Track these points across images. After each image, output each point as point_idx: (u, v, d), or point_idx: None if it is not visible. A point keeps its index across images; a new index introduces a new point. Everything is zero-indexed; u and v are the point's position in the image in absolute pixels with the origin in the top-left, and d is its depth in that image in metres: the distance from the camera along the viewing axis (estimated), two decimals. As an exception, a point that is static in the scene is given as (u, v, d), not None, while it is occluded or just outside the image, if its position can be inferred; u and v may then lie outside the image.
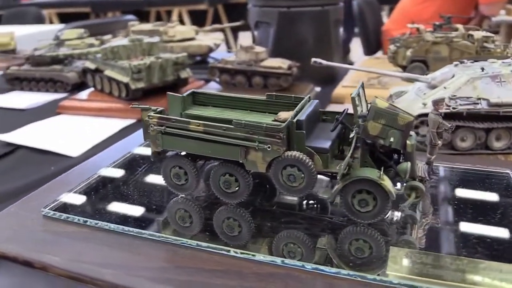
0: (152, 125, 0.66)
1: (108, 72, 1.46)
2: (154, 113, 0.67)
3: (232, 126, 0.61)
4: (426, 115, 0.90)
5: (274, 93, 0.70)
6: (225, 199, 0.66)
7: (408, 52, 1.44)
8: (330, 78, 1.65)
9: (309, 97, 0.67)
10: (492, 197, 0.68)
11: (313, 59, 1.02)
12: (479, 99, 0.91)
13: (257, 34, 1.68)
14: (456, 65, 1.00)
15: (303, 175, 0.59)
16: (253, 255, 0.56)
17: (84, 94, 1.58)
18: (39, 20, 3.65)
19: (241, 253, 0.57)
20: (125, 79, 1.39)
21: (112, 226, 0.64)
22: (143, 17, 6.22)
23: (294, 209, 0.68)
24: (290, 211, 0.68)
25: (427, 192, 0.70)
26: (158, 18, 6.19)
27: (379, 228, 0.62)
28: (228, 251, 0.57)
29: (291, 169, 0.59)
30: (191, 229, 0.65)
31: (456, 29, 1.50)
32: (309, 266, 0.54)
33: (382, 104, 0.59)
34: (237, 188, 0.64)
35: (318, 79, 1.61)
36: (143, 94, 1.42)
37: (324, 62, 1.00)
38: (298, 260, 0.55)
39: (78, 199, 0.72)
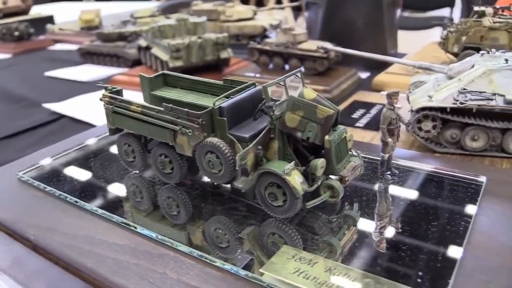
0: (105, 104, 0.68)
1: (154, 50, 1.52)
2: (108, 93, 0.69)
3: (163, 110, 0.61)
4: (429, 109, 0.82)
5: (229, 78, 0.68)
6: (163, 179, 0.67)
7: (463, 38, 1.29)
8: (383, 64, 1.55)
9: (254, 83, 0.64)
10: (445, 206, 0.59)
11: (319, 46, 0.96)
12: (494, 94, 0.80)
13: (308, 15, 1.63)
14: (482, 55, 0.88)
15: (221, 162, 0.57)
16: (154, 235, 0.57)
17: (136, 70, 1.66)
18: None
19: (141, 229, 0.58)
20: (165, 57, 1.44)
21: (63, 195, 0.68)
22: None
23: (243, 196, 0.66)
24: (237, 197, 0.67)
25: (386, 194, 0.64)
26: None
27: (309, 226, 0.58)
28: (135, 227, 0.58)
29: (210, 155, 0.58)
30: (142, 204, 0.67)
31: (529, 14, 1.32)
32: (195, 253, 0.53)
33: (308, 95, 0.54)
34: (171, 170, 0.65)
35: (367, 64, 1.52)
36: (182, 72, 1.45)
37: (332, 48, 0.94)
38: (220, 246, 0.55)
39: (54, 166, 0.78)
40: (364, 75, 1.50)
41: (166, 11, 2.27)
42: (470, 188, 0.62)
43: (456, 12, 4.17)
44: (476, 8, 1.36)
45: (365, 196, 0.64)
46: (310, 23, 1.62)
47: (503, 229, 0.53)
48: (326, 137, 0.52)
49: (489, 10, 1.30)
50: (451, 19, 3.44)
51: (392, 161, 0.67)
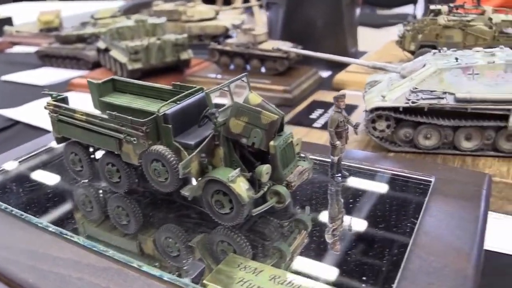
0: (49, 112, 0.66)
1: (113, 52, 1.49)
2: (53, 101, 0.67)
3: (107, 118, 0.59)
4: (383, 108, 0.83)
5: (178, 83, 0.67)
6: (112, 188, 0.65)
7: (420, 36, 1.31)
8: (343, 63, 1.56)
9: (202, 88, 0.63)
10: (394, 207, 0.60)
11: (273, 46, 0.96)
12: (445, 93, 0.81)
13: (268, 15, 1.62)
14: (434, 54, 0.89)
15: (167, 170, 0.56)
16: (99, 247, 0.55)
17: (96, 72, 1.63)
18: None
19: (84, 241, 0.56)
20: (124, 59, 1.41)
21: (9, 208, 0.65)
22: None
23: (195, 203, 0.65)
24: (189, 204, 0.65)
25: (337, 196, 0.64)
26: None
27: (260, 231, 0.58)
28: (79, 239, 0.57)
29: (156, 163, 0.56)
30: (92, 214, 0.65)
31: (483, 12, 1.34)
32: (137, 264, 0.51)
33: (254, 100, 0.54)
34: (119, 178, 0.63)
35: (328, 63, 1.53)
36: (142, 75, 1.43)
37: (285, 48, 0.94)
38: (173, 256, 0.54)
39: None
40: (325, 74, 1.51)
41: (128, 11, 2.23)
42: (419, 188, 0.62)
43: (419, 9, 4.25)
44: (432, 7, 1.39)
45: (317, 199, 0.63)
46: (271, 23, 1.61)
47: (449, 229, 0.54)
48: (271, 142, 0.52)
49: (444, 8, 1.32)
50: (414, 16, 3.50)
51: (343, 163, 0.67)
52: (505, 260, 0.66)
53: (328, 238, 0.57)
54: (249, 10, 3.23)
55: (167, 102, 0.58)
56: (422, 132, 0.84)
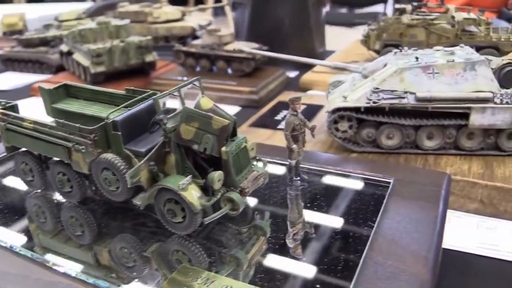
0: None
1: (76, 56, 1.45)
2: (0, 109, 0.64)
3: (55, 126, 0.57)
4: (344, 109, 0.82)
5: (132, 88, 0.65)
6: (64, 198, 0.63)
7: (384, 35, 1.32)
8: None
9: (154, 92, 0.61)
10: (352, 210, 0.59)
11: (236, 47, 0.94)
12: (406, 92, 0.81)
13: (234, 16, 1.61)
14: (395, 53, 0.89)
15: (118, 179, 0.54)
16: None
17: (59, 76, 1.59)
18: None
19: (32, 254, 0.54)
20: (86, 62, 1.38)
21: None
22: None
23: (151, 211, 0.63)
24: (146, 211, 0.63)
25: (297, 200, 0.63)
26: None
27: (217, 239, 0.56)
28: (27, 253, 0.54)
29: (106, 172, 0.54)
30: (46, 225, 0.63)
31: (446, 10, 1.36)
32: (72, 273, 0.50)
33: (205, 105, 0.52)
34: (71, 188, 0.61)
35: (296, 63, 1.52)
36: (106, 78, 1.40)
37: (247, 50, 0.93)
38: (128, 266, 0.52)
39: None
40: (292, 74, 1.51)
41: (94, 13, 2.18)
42: (378, 190, 0.62)
43: (389, 8, 4.31)
44: (397, 6, 1.40)
45: (277, 203, 0.62)
46: (238, 23, 1.60)
47: (407, 232, 0.53)
48: (223, 148, 0.50)
49: (408, 7, 1.33)
50: (384, 14, 3.54)
51: (303, 166, 0.66)
52: (466, 259, 0.66)
53: (289, 243, 0.56)
54: (222, 10, 3.21)
55: (116, 108, 0.56)
56: (384, 132, 0.84)
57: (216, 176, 0.50)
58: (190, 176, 0.51)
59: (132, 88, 0.65)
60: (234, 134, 0.53)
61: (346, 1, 5.11)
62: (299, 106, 0.59)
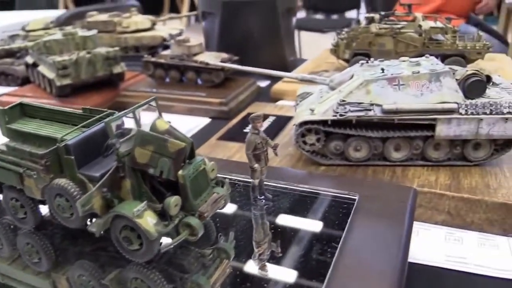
0: None
1: (41, 68, 1.42)
2: None
3: (5, 150, 0.54)
4: (312, 122, 0.81)
5: (89, 107, 0.62)
6: (18, 224, 0.60)
7: (354, 44, 1.32)
8: (281, 71, 1.54)
9: (113, 112, 0.58)
10: (317, 229, 0.58)
11: (200, 59, 0.93)
12: (372, 104, 0.80)
13: (204, 25, 1.59)
14: (361, 65, 0.89)
15: (71, 205, 0.51)
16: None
17: (25, 89, 1.54)
18: (51, 4, 3.60)
19: None
20: (52, 75, 1.34)
21: None
22: (156, 2, 6.19)
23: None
24: (107, 235, 0.61)
25: (262, 219, 0.62)
26: (173, 2, 6.17)
27: (179, 263, 0.54)
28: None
29: (60, 198, 0.52)
30: (2, 252, 0.60)
31: (414, 19, 1.37)
32: None
33: (161, 126, 0.50)
34: (25, 214, 0.58)
35: (267, 73, 1.51)
36: (73, 91, 1.37)
37: (211, 62, 0.91)
38: None
39: None
40: (263, 83, 1.50)
41: (64, 23, 2.14)
42: (343, 208, 0.61)
43: (362, 15, 4.34)
44: (366, 15, 1.40)
45: (241, 223, 0.61)
46: (208, 33, 1.58)
47: (371, 251, 0.52)
48: (180, 172, 0.49)
49: (376, 16, 1.34)
50: (358, 21, 3.57)
51: (268, 183, 0.64)
52: (434, 272, 0.65)
53: (255, 263, 0.55)
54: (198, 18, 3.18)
55: (72, 129, 0.54)
56: (352, 145, 0.83)
57: (173, 201, 0.48)
58: (146, 202, 0.49)
59: (89, 107, 0.62)
60: (192, 155, 0.51)
61: (320, 7, 5.16)
62: (260, 125, 0.58)
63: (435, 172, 0.81)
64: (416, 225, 0.75)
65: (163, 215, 0.49)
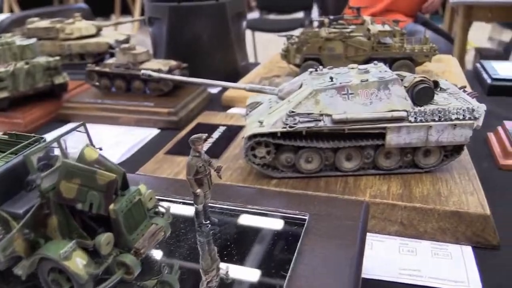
0: None
1: (-25, 80, 1.32)
2: None
3: None
4: (261, 135, 0.78)
5: (14, 132, 0.57)
6: None
7: (304, 49, 1.30)
8: (234, 77, 1.51)
9: (42, 138, 0.53)
10: (267, 255, 0.55)
11: (142, 71, 0.88)
12: (322, 115, 0.78)
13: (152, 31, 1.54)
14: (310, 73, 0.86)
15: None
16: None
17: (-42, 103, 1.44)
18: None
19: None
20: (-13, 88, 1.25)
21: None
22: (107, 4, 6.03)
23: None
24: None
25: (209, 245, 0.58)
26: (124, 4, 6.01)
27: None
28: None
29: (-21, 239, 0.47)
30: None
31: (363, 22, 1.37)
32: None
33: (90, 156, 0.46)
34: None
35: (219, 78, 1.46)
36: (11, 104, 1.28)
37: (154, 74, 0.87)
38: None
39: None
40: (214, 90, 1.46)
41: (5, 29, 2.02)
42: (293, 229, 0.58)
43: (314, 15, 4.37)
44: (316, 18, 1.39)
45: (187, 251, 0.57)
46: (155, 39, 1.53)
47: (322, 274, 0.50)
48: (111, 206, 0.44)
49: (326, 20, 1.33)
50: (311, 21, 3.58)
51: (214, 205, 0.61)
52: (388, 287, 0.64)
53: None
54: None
55: None
56: (303, 156, 0.81)
57: (103, 240, 0.44)
58: (75, 241, 0.44)
59: (14, 132, 0.57)
60: (125, 186, 0.47)
61: (273, 7, 5.16)
62: (202, 147, 0.54)
63: (387, 181, 0.80)
64: (370, 237, 0.74)
65: (95, 253, 0.45)
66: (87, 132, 0.50)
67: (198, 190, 0.54)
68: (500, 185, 0.87)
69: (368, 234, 0.68)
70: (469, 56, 3.90)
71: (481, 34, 4.49)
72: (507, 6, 2.67)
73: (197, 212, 0.56)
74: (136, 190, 0.47)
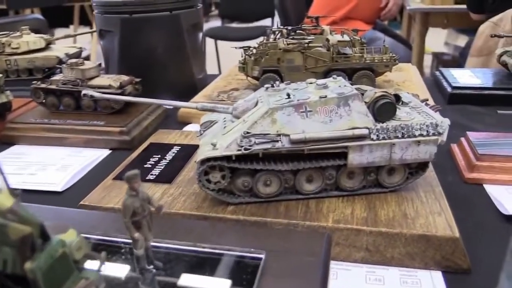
0: None
1: None
2: None
3: None
4: (215, 159, 0.72)
5: None
6: None
7: (262, 61, 1.25)
8: (191, 90, 1.45)
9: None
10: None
11: (83, 92, 0.81)
12: (279, 135, 0.73)
13: (103, 44, 1.46)
14: (266, 89, 0.81)
15: None
16: None
17: None
18: None
19: None
20: None
21: None
22: (66, 14, 5.86)
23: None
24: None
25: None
26: (83, 14, 5.85)
27: None
28: None
29: None
30: None
31: (322, 32, 1.33)
32: None
33: (3, 204, 0.38)
34: None
35: (175, 92, 1.40)
36: None
37: (96, 94, 0.80)
38: None
39: None
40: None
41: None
42: (247, 272, 0.51)
43: (275, 23, 4.35)
44: (274, 28, 1.34)
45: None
46: (107, 53, 1.45)
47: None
48: (27, 264, 0.37)
49: (284, 31, 1.28)
50: (271, 30, 3.56)
51: (159, 245, 0.54)
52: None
53: None
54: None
55: None
56: (261, 180, 0.75)
57: (16, 306, 0.36)
58: None
59: None
60: (46, 237, 0.40)
61: (235, 16, 5.13)
62: (138, 185, 0.47)
63: (350, 203, 0.75)
64: (334, 265, 0.69)
65: (11, 320, 0.38)
66: (1, 171, 0.42)
67: (136, 234, 0.47)
68: (467, 201, 0.84)
69: (332, 262, 0.64)
70: (427, 61, 3.97)
71: (437, 39, 4.59)
72: (462, 12, 2.74)
73: (137, 258, 0.50)
74: (59, 242, 0.40)
